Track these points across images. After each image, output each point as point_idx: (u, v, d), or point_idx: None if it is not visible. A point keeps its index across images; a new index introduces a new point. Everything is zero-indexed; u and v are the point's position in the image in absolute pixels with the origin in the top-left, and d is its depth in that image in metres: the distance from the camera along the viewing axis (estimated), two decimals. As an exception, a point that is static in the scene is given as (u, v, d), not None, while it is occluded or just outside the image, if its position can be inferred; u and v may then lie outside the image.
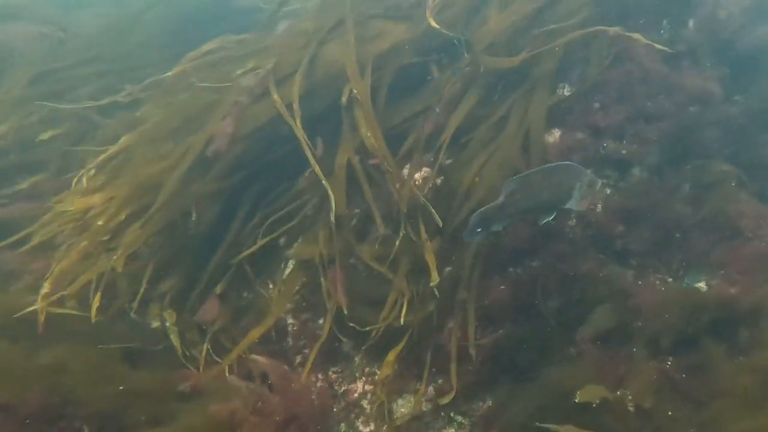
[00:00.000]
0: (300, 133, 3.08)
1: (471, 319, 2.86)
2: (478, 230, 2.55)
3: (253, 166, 3.35)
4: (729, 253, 2.91)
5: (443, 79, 3.30)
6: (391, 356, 2.84)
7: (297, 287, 3.12)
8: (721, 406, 2.37)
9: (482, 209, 2.55)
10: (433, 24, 3.19)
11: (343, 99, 3.16)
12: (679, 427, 2.42)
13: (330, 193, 2.99)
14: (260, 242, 3.24)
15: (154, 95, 3.84)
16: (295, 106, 3.13)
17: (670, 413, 2.46)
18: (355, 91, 3.11)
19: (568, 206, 2.54)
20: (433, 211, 2.91)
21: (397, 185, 3.00)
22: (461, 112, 3.15)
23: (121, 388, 2.71)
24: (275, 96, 3.20)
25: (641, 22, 3.24)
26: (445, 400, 2.85)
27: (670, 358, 2.67)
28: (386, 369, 2.82)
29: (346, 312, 2.90)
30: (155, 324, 3.18)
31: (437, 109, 3.18)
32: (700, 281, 3.00)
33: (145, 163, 3.27)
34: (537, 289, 2.94)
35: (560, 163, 2.64)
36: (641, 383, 2.60)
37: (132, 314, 3.13)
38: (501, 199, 2.50)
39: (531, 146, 3.04)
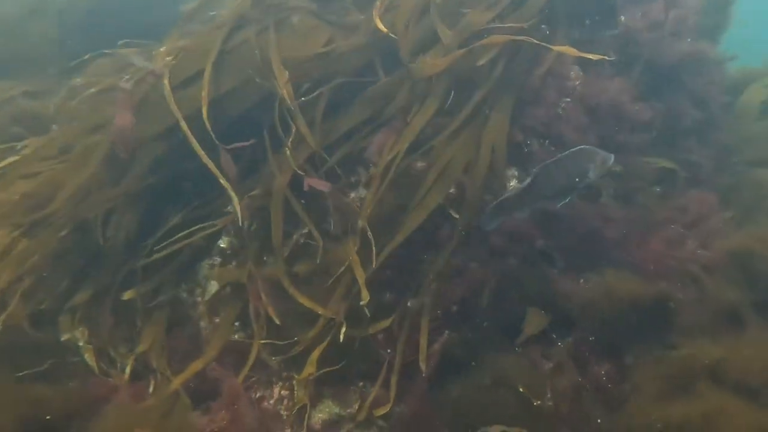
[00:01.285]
0: (206, 160, 2.92)
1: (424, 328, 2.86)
2: (495, 220, 2.73)
3: (179, 168, 3.17)
4: (644, 248, 3.05)
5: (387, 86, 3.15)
6: (316, 354, 2.77)
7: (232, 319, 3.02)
8: (636, 401, 2.46)
9: (499, 200, 2.68)
10: (380, 26, 3.02)
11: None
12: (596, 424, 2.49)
13: (238, 212, 2.89)
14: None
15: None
16: (204, 111, 2.95)
17: (588, 412, 2.54)
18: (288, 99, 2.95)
19: (583, 186, 2.65)
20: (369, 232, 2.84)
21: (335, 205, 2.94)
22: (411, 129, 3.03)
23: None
24: (168, 90, 2.97)
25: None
26: (381, 411, 2.80)
27: (595, 356, 2.76)
28: (309, 368, 2.74)
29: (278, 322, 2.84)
30: (65, 337, 3.00)
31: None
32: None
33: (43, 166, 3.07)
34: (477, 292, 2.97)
35: (574, 149, 2.69)
36: (565, 382, 2.68)
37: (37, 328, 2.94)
38: (519, 189, 2.64)
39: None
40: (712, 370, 2.34)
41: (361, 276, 2.74)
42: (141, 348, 2.98)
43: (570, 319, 2.84)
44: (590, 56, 2.86)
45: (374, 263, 2.79)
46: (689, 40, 3.60)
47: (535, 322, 2.85)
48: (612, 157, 2.68)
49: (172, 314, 3.11)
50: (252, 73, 3.01)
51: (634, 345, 2.67)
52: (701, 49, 3.62)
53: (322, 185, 2.83)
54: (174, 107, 2.92)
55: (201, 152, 2.90)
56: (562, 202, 2.66)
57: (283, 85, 2.93)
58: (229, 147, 2.94)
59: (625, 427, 2.29)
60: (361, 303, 2.69)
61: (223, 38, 3.07)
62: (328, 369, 2.77)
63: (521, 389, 2.66)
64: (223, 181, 2.90)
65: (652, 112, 3.35)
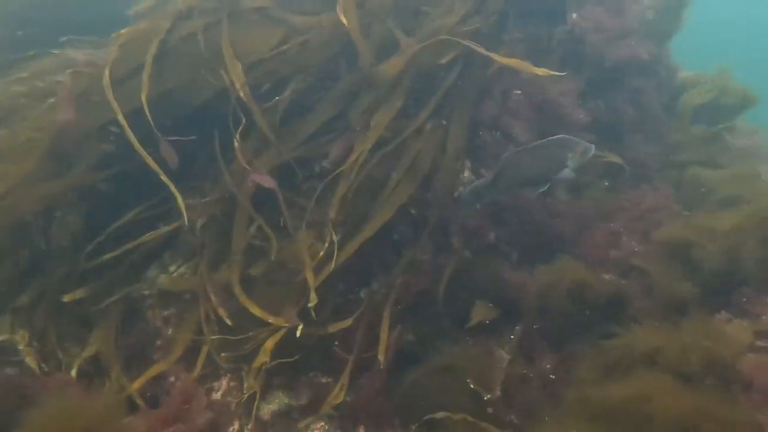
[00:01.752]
0: (143, 153, 2.84)
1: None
2: (470, 203, 2.80)
3: (131, 165, 3.05)
4: (591, 241, 3.16)
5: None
6: (270, 343, 2.75)
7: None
8: (577, 387, 2.53)
9: (474, 185, 2.70)
10: (344, 20, 2.97)
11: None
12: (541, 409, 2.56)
13: (183, 210, 2.83)
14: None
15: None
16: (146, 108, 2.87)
17: (533, 398, 2.62)
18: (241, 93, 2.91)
19: (561, 176, 2.64)
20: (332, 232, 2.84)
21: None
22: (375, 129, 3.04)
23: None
24: (107, 82, 2.89)
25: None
26: (333, 401, 2.81)
27: (541, 345, 2.83)
28: (263, 357, 2.72)
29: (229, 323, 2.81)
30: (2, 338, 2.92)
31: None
32: None
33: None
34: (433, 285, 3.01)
35: (552, 137, 2.68)
36: (512, 371, 2.75)
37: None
38: (491, 176, 2.62)
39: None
40: (650, 357, 2.43)
41: (311, 278, 2.74)
42: (88, 351, 2.91)
43: (518, 310, 2.91)
44: (538, 71, 2.89)
45: (333, 263, 2.79)
46: (633, 42, 3.76)
47: (481, 312, 2.92)
48: (592, 147, 2.67)
49: (126, 314, 3.05)
50: (204, 67, 2.98)
51: (579, 334, 2.75)
52: (645, 52, 3.77)
53: (268, 181, 2.81)
54: (112, 99, 2.83)
55: (137, 146, 2.81)
56: (539, 190, 2.66)
57: (238, 82, 2.91)
58: (171, 138, 2.87)
59: (568, 411, 2.36)
60: (309, 305, 2.69)
61: (168, 28, 3.02)
62: (281, 360, 2.76)
63: (471, 385, 2.69)
64: (164, 177, 2.82)
65: (594, 110, 3.50)
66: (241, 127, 2.92)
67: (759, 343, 2.52)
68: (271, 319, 2.76)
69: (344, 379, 2.79)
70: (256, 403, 2.69)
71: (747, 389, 2.29)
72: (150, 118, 2.80)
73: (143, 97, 2.81)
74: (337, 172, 2.93)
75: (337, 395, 2.78)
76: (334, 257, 2.80)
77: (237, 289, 2.83)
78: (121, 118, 2.81)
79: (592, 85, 3.61)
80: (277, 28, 3.16)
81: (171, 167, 2.84)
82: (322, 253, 2.84)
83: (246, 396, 2.71)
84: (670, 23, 4.17)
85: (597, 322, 2.75)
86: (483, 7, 3.24)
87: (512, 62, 2.95)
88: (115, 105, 2.82)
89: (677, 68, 4.42)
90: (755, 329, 2.55)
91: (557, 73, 2.92)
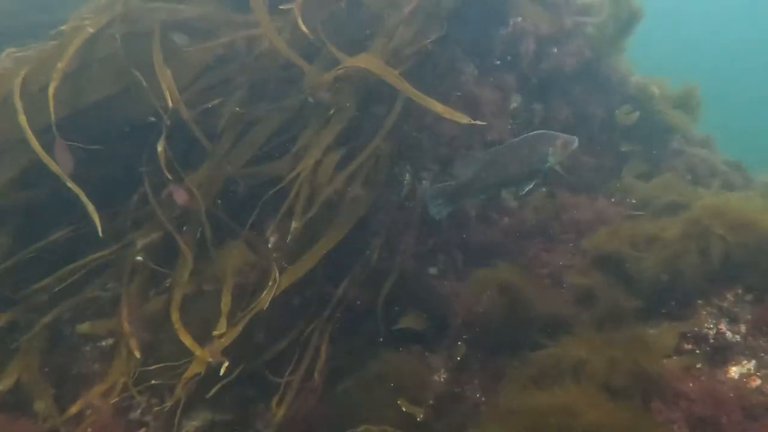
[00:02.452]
0: (47, 159, 2.62)
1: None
2: (441, 207, 2.58)
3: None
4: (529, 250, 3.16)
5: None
6: (204, 354, 2.65)
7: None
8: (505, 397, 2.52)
9: (438, 187, 2.54)
10: (302, 26, 2.86)
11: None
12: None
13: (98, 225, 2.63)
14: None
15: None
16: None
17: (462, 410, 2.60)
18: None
19: (545, 170, 2.55)
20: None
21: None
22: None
23: None
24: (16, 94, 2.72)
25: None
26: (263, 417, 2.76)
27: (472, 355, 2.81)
28: (197, 367, 2.61)
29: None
30: None
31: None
32: None
33: None
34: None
35: (530, 134, 2.59)
36: (442, 381, 2.73)
37: None
38: (467, 176, 2.50)
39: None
40: (576, 369, 2.42)
41: (226, 303, 2.65)
42: (6, 382, 2.75)
43: (449, 320, 2.89)
44: (459, 119, 2.72)
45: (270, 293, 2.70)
46: (575, 47, 3.78)
47: (409, 321, 2.89)
48: (575, 140, 2.60)
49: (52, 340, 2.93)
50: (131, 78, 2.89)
51: (511, 345, 2.73)
52: (585, 57, 3.79)
53: (182, 196, 2.73)
54: (20, 110, 2.66)
55: (43, 154, 2.61)
56: (526, 189, 2.57)
57: (168, 93, 2.77)
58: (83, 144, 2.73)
59: (492, 423, 2.34)
60: (214, 333, 2.60)
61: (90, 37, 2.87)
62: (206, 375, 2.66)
63: (403, 408, 2.66)
64: (71, 183, 2.62)
65: (532, 114, 3.51)
66: (163, 136, 2.80)
67: (685, 346, 2.52)
68: (197, 351, 2.65)
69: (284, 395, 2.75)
70: (176, 420, 2.61)
71: (669, 400, 2.30)
72: (54, 127, 2.67)
73: (51, 108, 2.68)
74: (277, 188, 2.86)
75: (276, 412, 2.73)
76: (274, 284, 2.72)
77: (174, 317, 2.73)
78: (27, 129, 2.66)
79: (531, 88, 3.61)
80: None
81: (65, 170, 2.65)
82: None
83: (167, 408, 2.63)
84: (619, 32, 4.18)
85: (530, 332, 2.73)
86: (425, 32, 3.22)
87: (434, 106, 2.83)
88: (22, 117, 2.68)
89: (628, 75, 4.45)
90: (682, 331, 2.54)
91: (479, 122, 2.82)
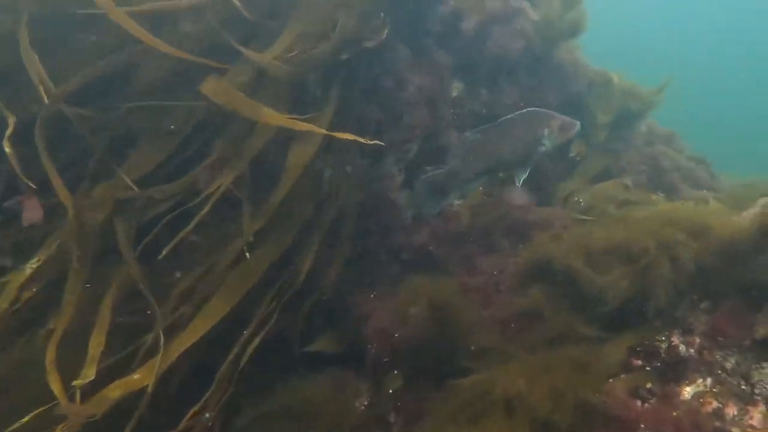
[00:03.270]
0: None
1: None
2: (433, 201, 2.27)
3: None
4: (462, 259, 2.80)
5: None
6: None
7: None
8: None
9: (429, 176, 2.21)
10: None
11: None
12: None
13: None
14: None
15: None
16: None
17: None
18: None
19: (540, 155, 2.26)
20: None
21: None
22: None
23: None
24: None
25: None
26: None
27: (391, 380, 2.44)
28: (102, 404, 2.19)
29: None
30: None
31: None
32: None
33: None
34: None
35: (522, 111, 2.27)
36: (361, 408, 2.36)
37: None
38: (453, 163, 2.19)
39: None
40: (509, 401, 2.07)
41: (96, 346, 2.21)
42: None
43: (370, 341, 2.52)
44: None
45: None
46: (524, 30, 3.45)
47: (323, 344, 2.53)
48: (577, 124, 2.30)
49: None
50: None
51: (436, 370, 2.37)
52: (536, 44, 3.46)
53: (33, 212, 2.27)
54: None
55: None
56: (522, 178, 2.27)
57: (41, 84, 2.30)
58: None
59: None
60: (74, 383, 2.16)
61: None
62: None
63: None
64: None
65: (475, 103, 3.16)
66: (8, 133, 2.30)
67: (634, 361, 2.19)
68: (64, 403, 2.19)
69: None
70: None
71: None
72: None
73: None
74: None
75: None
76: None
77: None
78: None
79: (474, 72, 3.27)
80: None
81: None
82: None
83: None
84: (570, 20, 3.85)
85: (459, 356, 2.36)
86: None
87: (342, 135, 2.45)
88: None
89: (585, 63, 4.15)
90: (630, 345, 2.21)
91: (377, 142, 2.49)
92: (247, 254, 2.47)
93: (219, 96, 2.36)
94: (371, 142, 2.41)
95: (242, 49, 2.47)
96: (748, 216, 2.52)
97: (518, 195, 3.24)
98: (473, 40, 3.28)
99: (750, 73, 23.24)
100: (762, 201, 2.53)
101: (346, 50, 2.67)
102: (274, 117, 2.36)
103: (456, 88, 3.25)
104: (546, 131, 2.26)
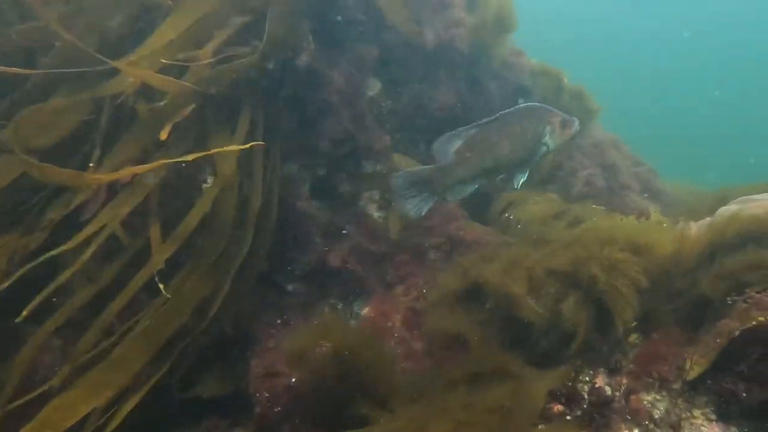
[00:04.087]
0: None
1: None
2: (416, 201, 1.94)
3: None
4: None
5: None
6: None
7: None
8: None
9: (410, 171, 1.94)
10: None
11: None
12: None
13: None
14: None
15: None
16: None
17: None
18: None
19: (541, 154, 2.04)
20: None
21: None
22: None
23: None
24: None
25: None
26: None
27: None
28: None
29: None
30: None
31: None
32: (366, 308, 2.56)
33: None
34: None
35: (521, 105, 2.05)
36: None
37: None
38: (449, 159, 1.94)
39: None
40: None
41: None
42: None
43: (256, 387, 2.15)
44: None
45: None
46: (455, 19, 3.12)
47: (205, 388, 2.15)
48: (576, 122, 2.08)
49: None
50: None
51: (333, 420, 2.01)
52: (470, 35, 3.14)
53: None
54: None
55: None
56: (520, 181, 2.04)
57: None
58: None
59: None
60: None
61: None
62: None
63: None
64: None
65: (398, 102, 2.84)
66: None
67: (555, 408, 1.87)
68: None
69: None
70: None
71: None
72: None
73: None
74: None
75: None
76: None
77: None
78: None
79: (394, 67, 2.93)
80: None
81: None
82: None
83: None
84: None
85: (360, 403, 2.00)
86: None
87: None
88: None
89: (525, 60, 3.86)
90: (550, 388, 1.89)
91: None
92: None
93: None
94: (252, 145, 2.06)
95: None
96: (694, 230, 2.27)
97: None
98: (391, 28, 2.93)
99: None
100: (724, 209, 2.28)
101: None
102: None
103: (373, 86, 2.90)
104: (548, 128, 2.06)
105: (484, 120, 2.02)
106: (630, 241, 2.17)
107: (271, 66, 2.52)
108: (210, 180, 2.39)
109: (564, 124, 2.09)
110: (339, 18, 2.81)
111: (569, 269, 2.08)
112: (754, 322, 1.71)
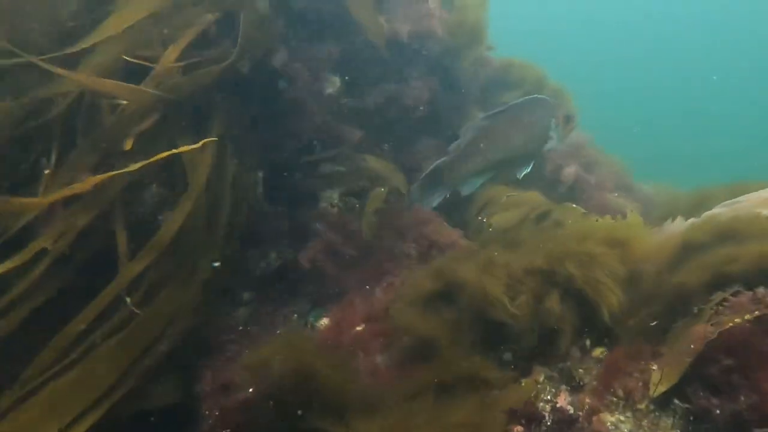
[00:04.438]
0: None
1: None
2: (432, 189, 1.98)
3: None
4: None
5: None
6: None
7: None
8: None
9: (438, 163, 1.94)
10: None
11: None
12: None
13: None
14: None
15: None
16: None
17: None
18: None
19: (546, 149, 2.05)
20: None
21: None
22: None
23: None
24: None
25: None
26: None
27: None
28: None
29: None
30: None
31: None
32: (323, 318, 2.45)
33: None
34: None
35: (528, 97, 2.03)
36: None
37: None
38: (462, 148, 1.94)
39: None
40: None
41: None
42: None
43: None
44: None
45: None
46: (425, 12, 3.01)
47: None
48: (575, 116, 2.12)
49: None
50: None
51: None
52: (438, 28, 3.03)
53: None
54: None
55: None
56: (524, 173, 2.02)
57: None
58: None
59: None
60: None
61: None
62: None
63: None
64: None
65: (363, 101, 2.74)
66: None
67: (515, 430, 1.80)
68: None
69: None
70: None
71: None
72: None
73: None
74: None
75: None
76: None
77: None
78: None
79: (357, 62, 2.80)
80: None
81: None
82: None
83: None
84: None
85: (320, 420, 1.91)
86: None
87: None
88: None
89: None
90: (510, 407, 1.82)
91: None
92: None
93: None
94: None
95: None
96: (670, 232, 2.21)
97: (425, 211, 2.86)
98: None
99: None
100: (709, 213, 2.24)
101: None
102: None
103: (332, 83, 2.75)
104: (552, 122, 2.06)
105: (494, 111, 2.00)
106: (607, 238, 2.12)
107: (246, 69, 2.41)
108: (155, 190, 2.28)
109: (567, 119, 2.08)
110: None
111: (546, 267, 2.03)
112: (730, 324, 1.66)
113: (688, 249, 2.02)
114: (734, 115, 23.55)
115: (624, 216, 2.52)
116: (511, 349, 1.99)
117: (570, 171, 3.85)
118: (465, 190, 2.08)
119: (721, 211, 2.28)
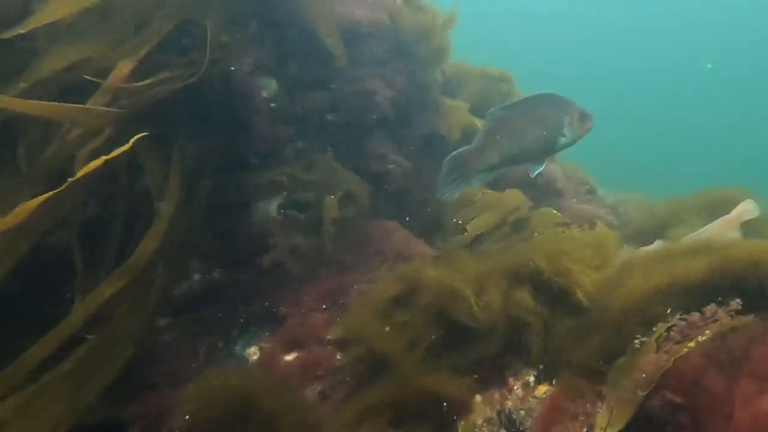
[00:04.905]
0: None
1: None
2: (454, 182, 1.95)
3: None
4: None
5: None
6: None
7: None
8: None
9: (457, 152, 1.92)
10: None
11: None
12: None
13: None
14: None
15: None
16: None
17: None
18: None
19: (559, 146, 2.00)
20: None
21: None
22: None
23: None
24: None
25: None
26: None
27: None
28: None
29: None
30: None
31: None
32: (252, 346, 2.34)
33: None
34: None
35: (542, 92, 1.99)
36: None
37: None
38: (480, 139, 1.91)
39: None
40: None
41: None
42: None
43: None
44: None
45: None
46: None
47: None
48: (593, 117, 2.02)
49: None
50: None
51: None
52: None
53: None
54: None
55: None
56: (538, 171, 2.01)
57: None
58: None
59: None
60: None
61: None
62: None
63: None
64: None
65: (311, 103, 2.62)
66: None
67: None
68: None
69: None
70: None
71: None
72: None
73: None
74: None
75: None
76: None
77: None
78: None
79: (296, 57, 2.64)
80: None
81: None
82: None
83: None
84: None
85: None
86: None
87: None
88: None
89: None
90: None
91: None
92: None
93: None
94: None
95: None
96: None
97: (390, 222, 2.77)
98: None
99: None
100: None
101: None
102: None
103: (266, 87, 2.53)
104: (566, 119, 2.02)
105: (508, 103, 2.00)
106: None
107: (215, 81, 2.30)
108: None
109: (582, 117, 2.03)
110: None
111: (514, 267, 1.95)
112: (685, 349, 1.57)
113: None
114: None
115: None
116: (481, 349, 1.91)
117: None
118: (476, 183, 2.04)
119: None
